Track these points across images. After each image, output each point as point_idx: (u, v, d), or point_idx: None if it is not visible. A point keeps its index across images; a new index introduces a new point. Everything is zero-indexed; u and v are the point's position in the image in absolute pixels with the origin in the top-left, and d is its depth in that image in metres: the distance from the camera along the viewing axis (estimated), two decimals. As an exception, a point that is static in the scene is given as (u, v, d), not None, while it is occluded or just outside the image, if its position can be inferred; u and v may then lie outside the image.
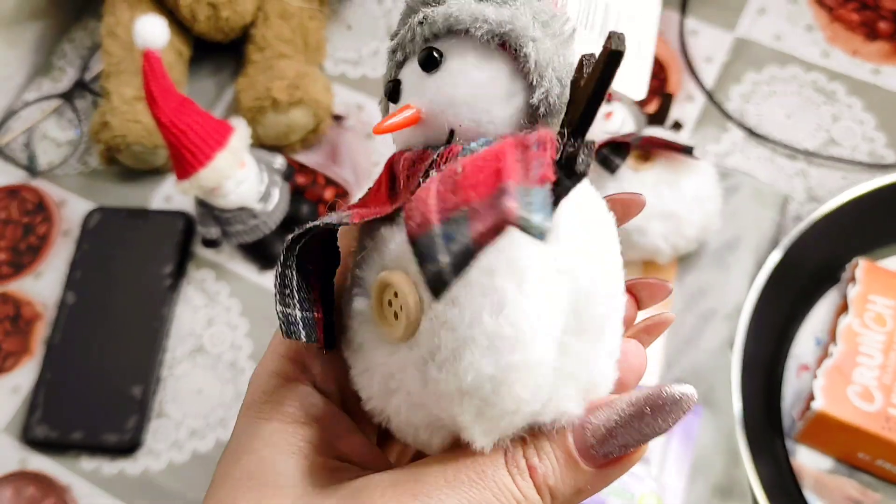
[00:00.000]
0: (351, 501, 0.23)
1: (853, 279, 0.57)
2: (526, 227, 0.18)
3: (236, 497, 0.24)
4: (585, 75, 0.22)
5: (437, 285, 0.18)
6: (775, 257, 0.58)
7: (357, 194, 0.67)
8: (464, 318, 0.21)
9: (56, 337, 0.63)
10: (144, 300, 0.64)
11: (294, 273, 0.24)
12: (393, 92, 0.24)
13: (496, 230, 0.18)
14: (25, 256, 0.68)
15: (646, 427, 0.22)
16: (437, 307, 0.21)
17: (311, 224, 0.24)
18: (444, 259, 0.18)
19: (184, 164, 0.54)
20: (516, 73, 0.23)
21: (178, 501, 0.58)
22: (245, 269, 0.65)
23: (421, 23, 0.23)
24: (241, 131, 0.56)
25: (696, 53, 0.70)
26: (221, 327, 0.64)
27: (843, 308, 0.57)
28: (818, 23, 0.70)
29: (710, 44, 0.70)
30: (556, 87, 0.23)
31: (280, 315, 0.24)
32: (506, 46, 0.23)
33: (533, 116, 0.23)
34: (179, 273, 0.65)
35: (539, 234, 0.18)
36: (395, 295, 0.22)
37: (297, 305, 0.24)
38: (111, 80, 0.67)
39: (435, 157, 0.23)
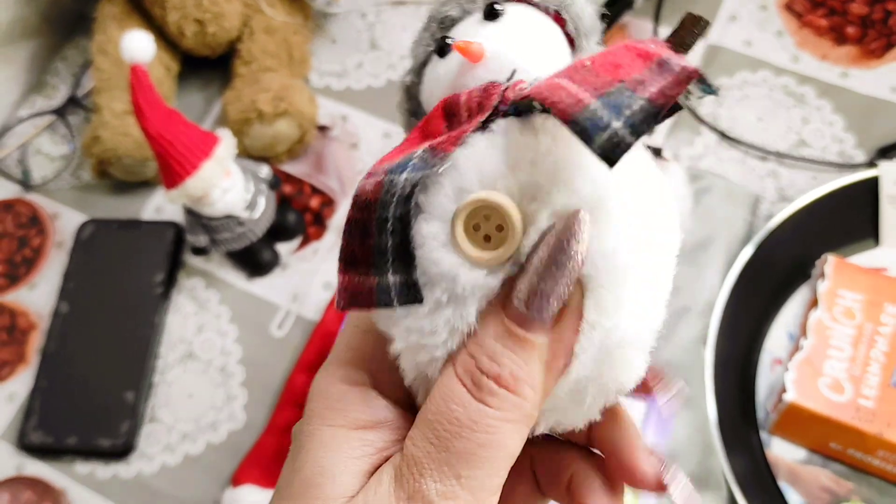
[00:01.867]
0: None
1: (823, 275, 0.59)
2: (705, 81, 0.20)
3: None
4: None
5: (615, 150, 0.19)
6: (747, 254, 0.60)
7: (343, 202, 0.69)
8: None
9: (51, 346, 0.65)
10: (136, 308, 0.66)
11: (389, 237, 0.22)
12: (444, 48, 0.25)
13: (679, 85, 0.20)
14: (20, 268, 0.69)
15: (558, 267, 0.21)
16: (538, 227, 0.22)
17: (408, 179, 0.22)
18: (617, 124, 0.19)
19: (171, 173, 0.56)
20: (563, 38, 0.25)
21: (170, 503, 0.60)
22: (234, 277, 0.67)
23: None
24: (226, 141, 0.58)
25: (669, 60, 0.72)
26: (211, 334, 0.65)
27: (814, 303, 0.59)
28: (788, 28, 0.72)
29: (683, 50, 0.72)
30: (587, 14, 0.26)
31: (376, 287, 0.22)
32: (559, 16, 0.25)
33: (576, 49, 0.26)
34: (170, 281, 0.67)
35: (714, 90, 0.20)
36: (486, 218, 0.22)
37: (391, 270, 0.22)
38: (102, 96, 0.69)
39: (505, 85, 0.23)
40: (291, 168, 0.71)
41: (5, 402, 0.64)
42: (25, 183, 0.73)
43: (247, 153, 0.68)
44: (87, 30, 0.75)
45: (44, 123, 0.75)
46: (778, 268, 0.61)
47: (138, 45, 0.53)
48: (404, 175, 0.22)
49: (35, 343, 0.66)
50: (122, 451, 0.61)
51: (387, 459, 0.24)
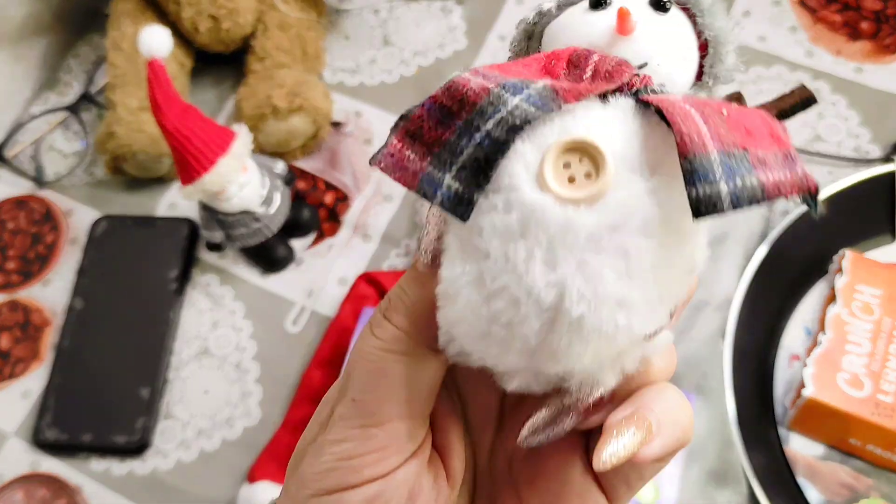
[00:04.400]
0: None
1: (840, 270, 0.59)
2: (815, 200, 0.20)
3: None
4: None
5: (708, 208, 0.19)
6: (763, 250, 0.60)
7: (357, 197, 0.69)
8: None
9: (65, 342, 0.65)
10: (151, 304, 0.65)
11: (473, 148, 0.21)
12: (601, 3, 0.24)
13: (796, 189, 0.20)
14: (34, 265, 0.69)
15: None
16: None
17: (521, 108, 0.21)
18: (724, 188, 0.19)
19: (188, 169, 0.56)
20: (697, 42, 0.25)
21: (186, 500, 0.60)
22: (248, 273, 0.67)
23: None
24: (243, 137, 0.58)
25: (683, 56, 0.71)
26: (226, 330, 0.65)
27: (831, 298, 0.58)
28: (801, 24, 0.72)
29: (697, 46, 0.72)
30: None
31: (425, 175, 0.21)
32: (694, 19, 0.25)
33: (702, 83, 0.25)
34: (185, 278, 0.67)
35: (816, 209, 0.21)
36: (579, 160, 0.21)
37: (453, 174, 0.21)
38: (116, 92, 0.69)
39: (635, 73, 0.23)
40: (305, 164, 0.70)
41: (20, 398, 0.64)
42: (39, 179, 0.73)
43: (260, 149, 0.68)
44: (101, 26, 0.75)
45: (57, 120, 0.75)
46: (795, 263, 0.61)
47: (156, 39, 0.52)
48: (517, 100, 0.21)
49: (49, 339, 0.66)
50: (137, 448, 0.61)
51: None
